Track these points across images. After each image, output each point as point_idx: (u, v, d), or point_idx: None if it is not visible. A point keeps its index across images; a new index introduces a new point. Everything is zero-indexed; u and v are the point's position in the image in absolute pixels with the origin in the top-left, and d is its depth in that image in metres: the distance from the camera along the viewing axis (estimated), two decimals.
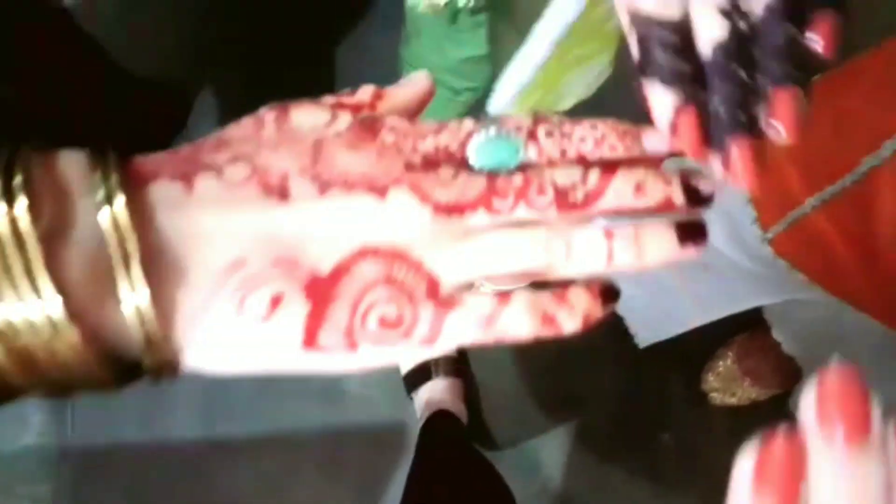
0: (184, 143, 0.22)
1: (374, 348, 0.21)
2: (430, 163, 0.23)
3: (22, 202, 0.18)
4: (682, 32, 0.24)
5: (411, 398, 0.99)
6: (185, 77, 1.03)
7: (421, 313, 0.22)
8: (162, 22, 1.04)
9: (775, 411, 1.02)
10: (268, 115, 0.23)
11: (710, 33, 0.24)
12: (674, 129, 0.24)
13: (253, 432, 1.01)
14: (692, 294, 0.74)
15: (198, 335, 0.20)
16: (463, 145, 0.24)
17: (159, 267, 0.20)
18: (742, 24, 0.24)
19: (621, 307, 0.79)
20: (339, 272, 0.21)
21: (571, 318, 0.23)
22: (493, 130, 0.24)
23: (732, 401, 1.04)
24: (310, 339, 0.21)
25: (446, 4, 0.59)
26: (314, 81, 1.08)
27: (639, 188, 0.23)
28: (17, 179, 0.18)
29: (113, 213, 0.19)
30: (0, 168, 0.18)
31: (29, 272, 0.18)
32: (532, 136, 0.24)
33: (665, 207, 0.23)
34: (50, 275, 0.18)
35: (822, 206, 0.50)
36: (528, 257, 0.22)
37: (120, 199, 0.19)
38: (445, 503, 0.70)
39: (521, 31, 0.54)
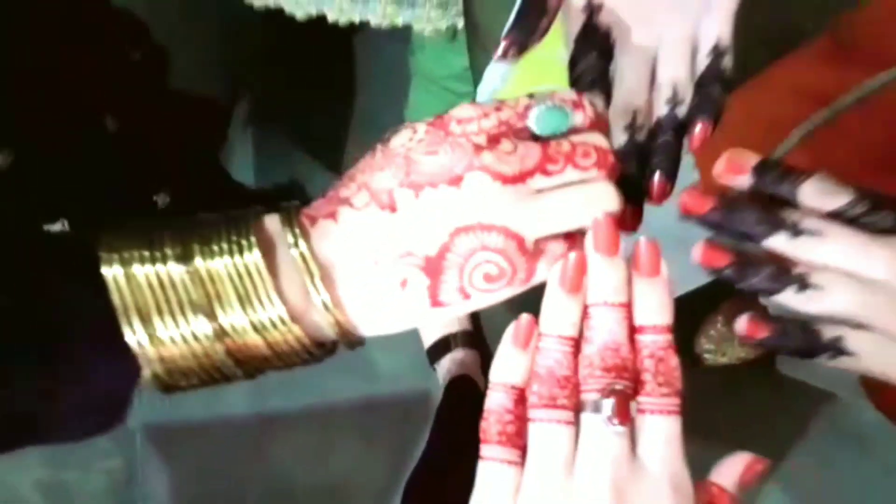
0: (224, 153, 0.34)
1: (484, 295, 0.30)
2: (494, 138, 0.30)
3: (256, 252, 0.28)
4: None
5: (434, 369, 1.11)
6: (223, 93, 1.16)
7: (518, 265, 0.29)
8: (203, 40, 1.16)
9: (762, 367, 1.11)
10: (380, 142, 0.31)
11: (617, 140, 0.34)
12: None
13: (297, 406, 1.13)
14: (675, 266, 0.85)
15: (362, 313, 0.30)
16: (522, 116, 0.31)
17: (331, 277, 0.29)
18: (640, 135, 0.34)
19: None
20: (443, 251, 0.29)
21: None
22: (548, 102, 0.31)
23: (724, 360, 1.14)
24: (434, 301, 0.30)
25: (448, 28, 0.71)
26: (335, 86, 1.22)
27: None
28: (252, 238, 0.29)
29: (300, 252, 0.29)
30: (243, 231, 0.29)
31: (267, 294, 0.28)
32: (577, 105, 0.31)
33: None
34: (277, 292, 0.28)
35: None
36: (583, 213, 0.30)
37: (302, 243, 0.29)
38: (465, 449, 0.82)
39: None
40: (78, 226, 0.65)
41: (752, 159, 0.31)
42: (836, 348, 0.29)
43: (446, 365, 1.07)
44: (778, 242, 0.30)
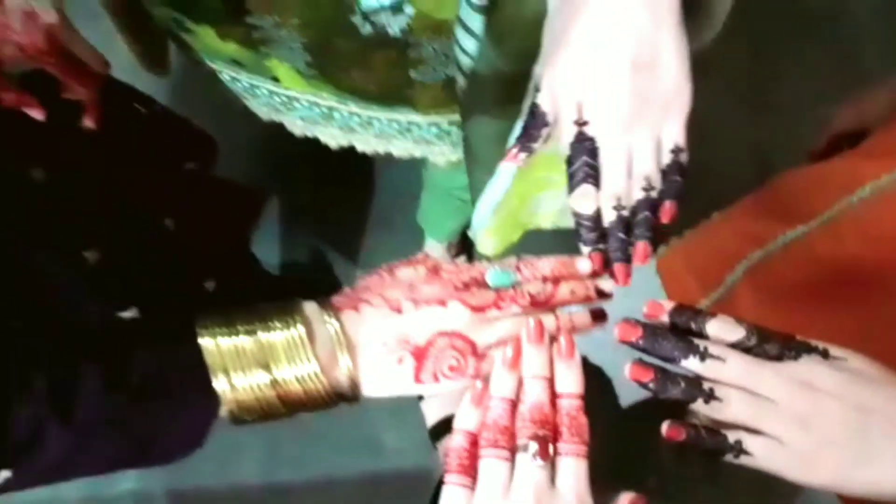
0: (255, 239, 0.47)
1: (447, 381, 0.41)
2: (467, 285, 0.43)
3: (301, 328, 0.40)
4: (595, 219, 0.45)
5: (436, 447, 1.20)
6: (259, 182, 1.28)
7: (469, 362, 0.42)
8: (245, 146, 1.29)
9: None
10: (385, 271, 0.45)
11: (608, 217, 0.45)
12: (592, 260, 0.46)
13: (306, 479, 1.21)
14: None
15: (369, 377, 0.41)
16: (482, 275, 0.44)
17: (353, 349, 0.41)
18: (624, 212, 0.45)
19: (608, 372, 0.95)
20: (428, 344, 0.41)
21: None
22: (496, 268, 0.44)
23: None
24: (416, 378, 0.41)
25: (460, 161, 0.84)
26: (357, 187, 1.35)
27: (572, 292, 0.44)
28: (298, 318, 0.41)
29: (335, 329, 0.41)
30: (291, 314, 0.41)
31: (307, 355, 0.40)
32: (517, 269, 0.44)
33: (587, 300, 0.45)
34: (314, 355, 0.40)
35: (715, 305, 0.71)
36: (517, 331, 0.42)
37: (336, 323, 0.41)
38: None
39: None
40: (147, 311, 0.76)
41: (668, 306, 0.41)
42: (738, 449, 0.37)
43: (447, 444, 1.16)
44: (690, 364, 0.39)
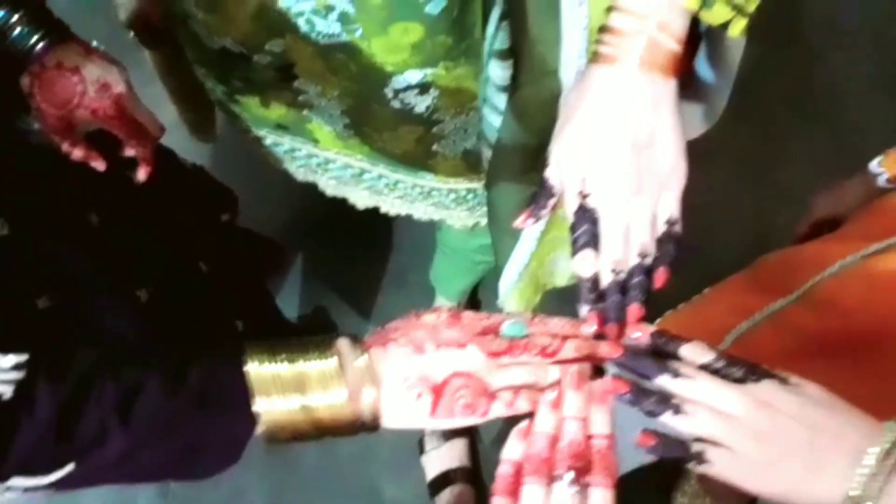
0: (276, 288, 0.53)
1: (460, 418, 0.45)
2: (484, 332, 0.48)
3: (335, 360, 0.45)
4: (594, 281, 0.50)
5: (435, 501, 1.22)
6: (285, 236, 1.36)
7: (481, 402, 0.46)
8: (273, 193, 1.37)
9: None
10: (413, 315, 0.50)
11: (605, 280, 0.50)
12: (590, 320, 0.50)
13: None
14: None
15: (389, 409, 0.45)
16: (498, 325, 0.49)
17: (377, 382, 0.45)
18: (620, 276, 0.50)
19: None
20: (445, 382, 0.45)
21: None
22: (512, 320, 0.49)
23: None
24: (433, 413, 0.45)
25: (475, 225, 0.91)
26: (373, 246, 1.42)
27: (576, 349, 0.49)
28: (332, 351, 0.45)
29: (364, 363, 0.46)
30: (326, 348, 0.46)
31: (337, 384, 0.44)
32: (530, 323, 0.49)
33: (589, 359, 0.49)
34: (344, 385, 0.45)
35: None
36: (526, 378, 0.47)
37: (366, 358, 0.46)
38: None
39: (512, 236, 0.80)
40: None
41: (649, 329, 0.47)
42: (699, 458, 0.42)
43: (446, 497, 1.18)
44: (663, 381, 0.44)
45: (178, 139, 0.92)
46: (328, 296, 1.39)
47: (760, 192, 1.44)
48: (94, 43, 0.66)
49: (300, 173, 0.88)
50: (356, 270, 1.41)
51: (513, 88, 0.61)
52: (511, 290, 0.87)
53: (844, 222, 0.69)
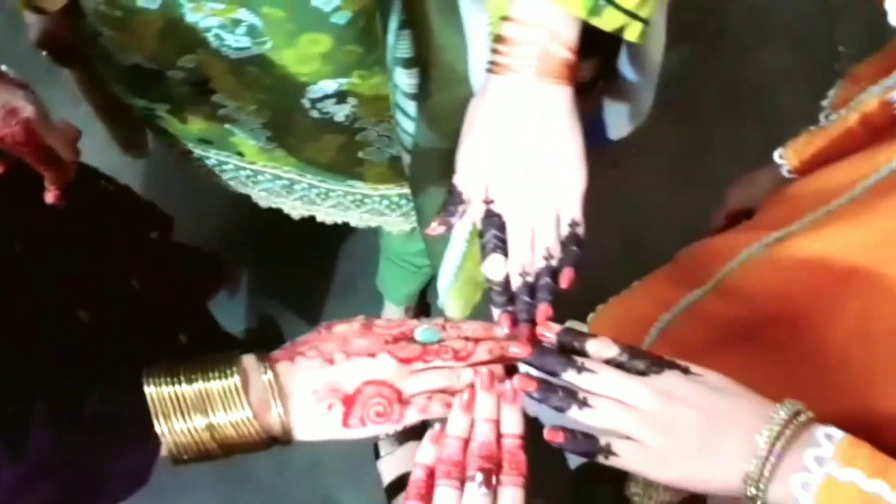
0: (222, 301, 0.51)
1: (374, 426, 0.45)
2: (396, 339, 0.48)
3: (237, 378, 0.43)
4: (504, 284, 0.51)
5: None
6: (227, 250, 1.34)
7: (394, 409, 0.45)
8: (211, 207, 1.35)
9: None
10: (323, 327, 0.49)
11: (514, 283, 0.51)
12: (502, 322, 0.51)
13: None
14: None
15: (300, 422, 0.44)
16: (410, 332, 0.49)
17: (286, 396, 0.44)
18: (528, 279, 0.51)
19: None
20: (357, 392, 0.45)
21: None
22: (425, 326, 0.49)
23: (650, 503, 1.27)
24: (344, 423, 0.45)
25: (413, 230, 0.92)
26: (319, 255, 1.42)
27: (489, 351, 0.49)
28: (235, 369, 0.44)
29: (269, 379, 0.44)
30: (229, 365, 0.45)
31: (241, 402, 0.43)
32: (443, 328, 0.50)
33: (501, 360, 0.49)
34: (248, 402, 0.43)
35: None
36: (440, 382, 0.46)
37: (269, 372, 0.45)
38: None
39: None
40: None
41: (556, 328, 0.48)
42: (607, 451, 0.43)
43: (402, 502, 1.19)
44: (569, 376, 0.45)
45: (111, 157, 0.91)
46: (275, 307, 1.38)
47: (692, 188, 1.47)
48: (3, 67, 0.64)
49: (232, 185, 0.88)
50: (303, 279, 1.41)
51: (425, 96, 0.62)
52: (449, 291, 0.88)
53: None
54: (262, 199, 0.90)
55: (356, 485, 1.25)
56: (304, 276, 1.42)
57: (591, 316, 0.81)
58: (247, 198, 0.91)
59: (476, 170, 0.51)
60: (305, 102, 0.66)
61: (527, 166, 0.50)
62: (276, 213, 0.93)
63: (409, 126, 0.65)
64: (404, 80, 0.59)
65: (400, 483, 1.24)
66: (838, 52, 1.61)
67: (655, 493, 1.26)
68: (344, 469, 1.26)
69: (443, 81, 0.60)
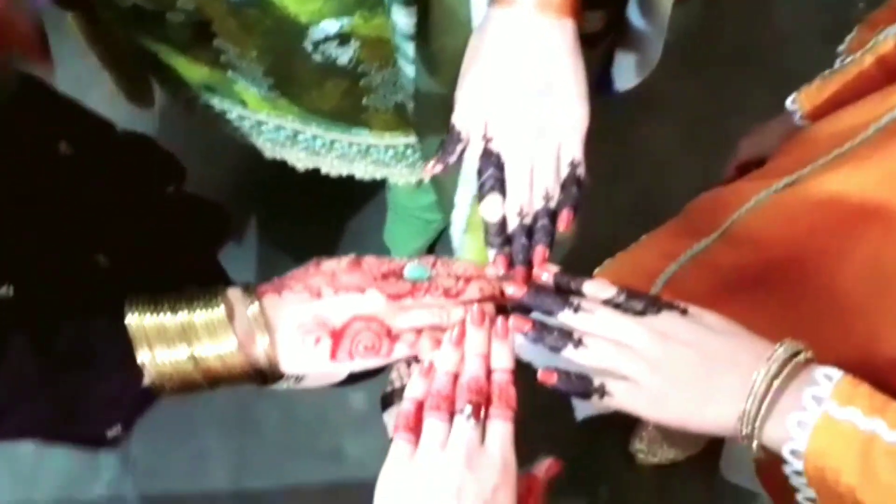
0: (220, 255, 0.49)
1: (362, 360, 0.46)
2: (385, 275, 0.47)
3: (222, 308, 0.43)
4: (501, 225, 0.50)
5: None
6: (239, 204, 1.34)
7: (384, 344, 0.46)
8: (221, 160, 1.35)
9: (690, 468, 1.24)
10: (314, 262, 0.49)
11: (512, 224, 0.50)
12: (498, 263, 0.50)
13: (272, 486, 1.25)
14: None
15: (287, 355, 0.45)
16: (400, 269, 0.48)
17: (272, 329, 0.44)
18: (526, 220, 0.50)
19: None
20: (345, 326, 0.45)
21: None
22: (413, 263, 0.49)
23: (655, 460, 1.25)
24: (332, 356, 0.45)
25: (420, 182, 0.91)
26: (328, 210, 1.42)
27: (480, 290, 0.49)
28: (219, 299, 0.44)
29: (254, 311, 0.44)
30: (214, 296, 0.44)
31: (226, 333, 0.43)
32: (433, 266, 0.49)
33: (493, 299, 0.49)
34: (233, 334, 0.43)
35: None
36: (430, 319, 0.47)
37: (255, 304, 0.44)
38: None
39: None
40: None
41: (554, 269, 0.48)
42: (601, 391, 0.43)
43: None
44: (564, 316, 0.45)
45: (118, 110, 0.91)
46: (283, 260, 1.39)
47: (704, 146, 1.46)
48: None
49: (237, 136, 0.88)
50: (311, 234, 1.41)
51: (424, 39, 0.60)
52: (463, 240, 0.88)
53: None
54: (267, 149, 0.89)
55: (362, 437, 1.27)
56: (312, 231, 1.42)
57: (596, 270, 0.81)
58: (253, 153, 0.91)
59: (475, 106, 0.50)
60: (307, 46, 0.65)
61: (527, 102, 0.49)
62: (283, 167, 0.92)
63: (409, 70, 0.64)
64: (402, 19, 0.58)
65: None
66: (858, 6, 1.57)
67: (660, 450, 1.28)
68: (350, 421, 1.28)
69: (444, 25, 0.59)
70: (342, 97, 0.72)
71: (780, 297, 0.60)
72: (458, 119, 0.51)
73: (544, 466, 0.48)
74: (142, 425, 0.59)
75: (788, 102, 0.67)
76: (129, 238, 0.85)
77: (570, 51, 0.49)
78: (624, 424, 1.29)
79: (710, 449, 1.21)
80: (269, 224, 1.42)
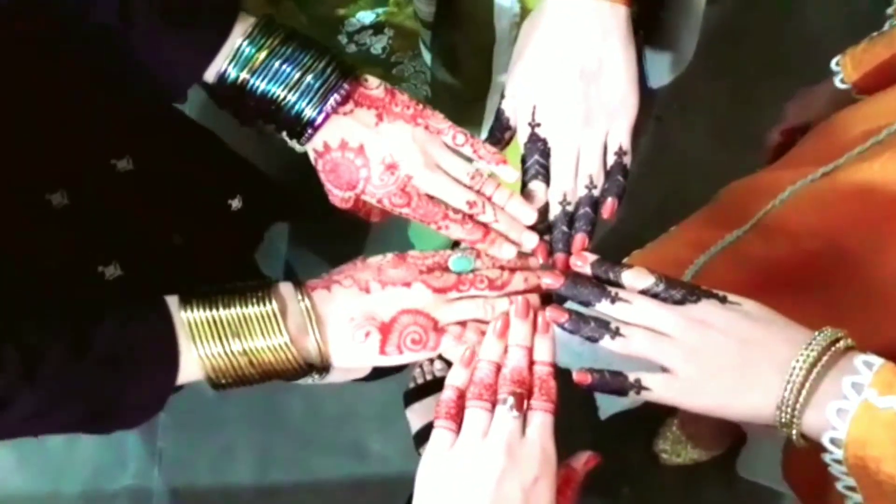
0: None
1: (410, 353, 0.46)
2: (430, 269, 0.47)
3: (274, 304, 0.44)
4: (543, 212, 0.50)
5: (420, 454, 1.24)
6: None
7: (430, 337, 0.46)
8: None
9: (714, 469, 1.23)
10: (359, 259, 0.49)
11: (553, 211, 0.50)
12: (537, 251, 0.50)
13: (295, 481, 1.26)
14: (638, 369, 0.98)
15: (337, 349, 0.45)
16: (445, 262, 0.49)
17: (322, 324, 0.45)
18: (568, 207, 0.50)
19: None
20: (393, 320, 0.46)
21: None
22: (459, 254, 0.49)
23: (678, 460, 1.24)
24: (381, 350, 0.46)
25: None
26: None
27: (525, 280, 0.49)
28: (272, 295, 0.44)
29: (305, 306, 0.45)
30: (266, 292, 0.44)
31: (279, 328, 0.43)
32: (477, 256, 0.49)
33: (537, 289, 0.49)
34: (286, 328, 0.44)
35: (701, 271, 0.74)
36: (475, 312, 0.47)
37: (306, 299, 0.45)
38: None
39: None
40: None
41: (592, 258, 0.47)
42: (638, 386, 0.43)
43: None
44: (602, 306, 0.45)
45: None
46: (306, 257, 1.39)
47: (736, 143, 1.44)
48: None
49: (265, 130, 0.88)
50: (335, 232, 1.41)
51: (441, 28, 0.60)
52: None
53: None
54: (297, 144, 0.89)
55: (385, 432, 1.28)
56: (336, 229, 1.42)
57: (625, 260, 0.80)
58: (282, 147, 0.90)
59: (524, 90, 0.50)
60: (342, 38, 0.65)
61: (577, 88, 0.48)
62: (308, 165, 0.92)
63: (427, 58, 0.64)
64: (423, 7, 0.58)
65: (427, 430, 1.26)
66: (888, 9, 1.55)
67: (684, 450, 1.27)
68: (374, 416, 1.28)
69: (463, 22, 0.59)
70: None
71: (816, 289, 0.59)
72: (507, 104, 0.51)
73: (583, 459, 0.48)
74: (169, 419, 0.59)
75: (833, 63, 0.66)
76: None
77: (623, 38, 0.49)
78: (645, 425, 1.28)
79: (734, 449, 1.20)
80: (295, 224, 1.43)
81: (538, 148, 0.50)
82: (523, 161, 0.50)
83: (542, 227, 0.51)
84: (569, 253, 0.50)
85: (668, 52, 0.82)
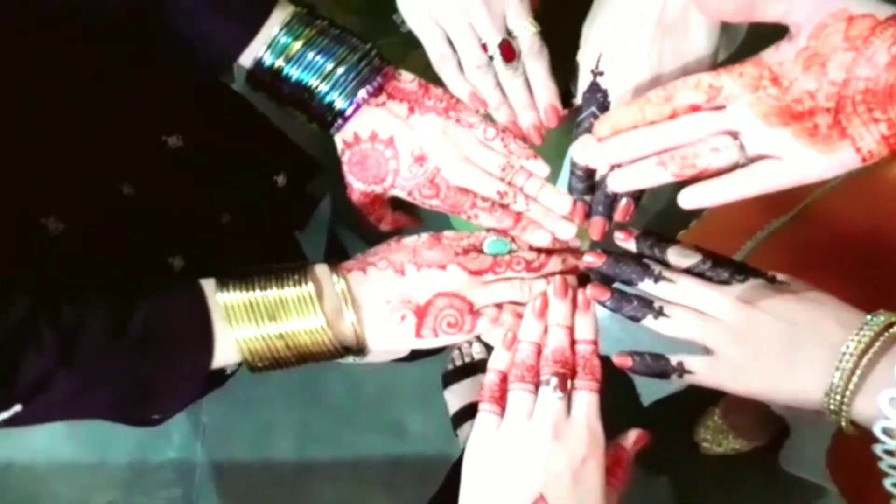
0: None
1: (446, 336, 0.45)
2: (466, 250, 0.47)
3: (311, 285, 0.43)
4: (588, 170, 0.48)
5: (457, 435, 1.25)
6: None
7: (466, 319, 0.46)
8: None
9: (756, 460, 1.21)
10: (393, 240, 0.49)
11: (601, 171, 0.46)
12: (574, 211, 0.48)
13: (334, 457, 1.28)
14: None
15: (373, 332, 0.45)
16: (480, 244, 0.48)
17: (358, 306, 0.45)
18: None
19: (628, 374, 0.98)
20: (428, 303, 0.45)
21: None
22: (494, 237, 0.49)
23: (719, 450, 1.22)
24: (417, 333, 0.45)
25: None
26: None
27: (563, 261, 0.49)
28: (308, 277, 0.44)
29: (341, 288, 0.45)
30: (302, 274, 0.44)
31: (315, 310, 0.43)
32: (513, 238, 0.49)
33: (574, 271, 0.49)
34: (322, 311, 0.44)
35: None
36: (511, 295, 0.47)
37: (342, 282, 0.45)
38: None
39: None
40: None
41: (636, 231, 0.46)
42: (681, 369, 0.42)
43: (468, 430, 1.21)
44: (645, 286, 0.44)
45: None
46: (349, 238, 1.40)
47: None
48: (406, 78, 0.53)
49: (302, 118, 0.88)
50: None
51: None
52: None
53: None
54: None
55: (424, 412, 1.29)
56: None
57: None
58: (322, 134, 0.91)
59: (594, 38, 0.46)
60: (396, 18, 0.65)
61: (650, 39, 0.44)
62: None
63: None
64: None
65: (466, 412, 1.27)
66: None
67: (725, 440, 1.25)
68: (413, 396, 1.29)
69: None
70: (424, 70, 0.72)
71: (864, 276, 0.57)
72: (581, 52, 0.48)
73: (632, 438, 0.48)
74: (213, 395, 0.60)
75: None
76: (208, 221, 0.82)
77: None
78: (685, 414, 1.26)
79: (777, 441, 1.18)
80: (337, 206, 1.44)
81: (597, 99, 0.46)
82: (579, 112, 0.47)
83: (585, 186, 0.48)
84: (608, 217, 0.47)
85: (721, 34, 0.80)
